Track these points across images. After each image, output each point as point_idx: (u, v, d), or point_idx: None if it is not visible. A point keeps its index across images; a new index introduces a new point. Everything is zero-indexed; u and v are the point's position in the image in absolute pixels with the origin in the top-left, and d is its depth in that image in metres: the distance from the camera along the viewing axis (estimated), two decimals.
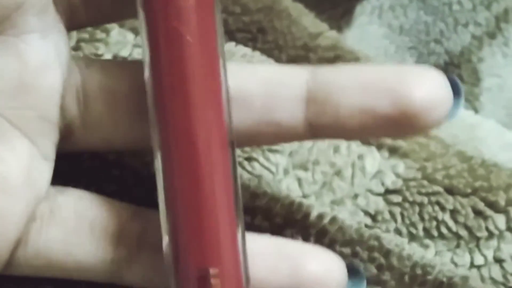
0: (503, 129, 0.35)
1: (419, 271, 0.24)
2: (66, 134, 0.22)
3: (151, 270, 0.22)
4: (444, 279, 0.24)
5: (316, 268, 0.22)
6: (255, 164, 0.27)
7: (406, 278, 0.24)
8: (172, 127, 0.20)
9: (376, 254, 0.24)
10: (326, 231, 0.25)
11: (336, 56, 0.34)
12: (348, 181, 0.27)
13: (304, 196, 0.27)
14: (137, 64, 0.22)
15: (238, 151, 0.27)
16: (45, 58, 0.21)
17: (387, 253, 0.24)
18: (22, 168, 0.21)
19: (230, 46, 0.29)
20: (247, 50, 0.29)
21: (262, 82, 0.22)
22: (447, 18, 0.41)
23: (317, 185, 0.27)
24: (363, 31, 0.41)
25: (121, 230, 0.22)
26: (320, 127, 0.22)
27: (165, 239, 0.21)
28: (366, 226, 0.26)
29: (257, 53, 0.30)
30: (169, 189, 0.20)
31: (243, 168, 0.26)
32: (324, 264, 0.23)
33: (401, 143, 0.28)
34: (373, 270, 0.24)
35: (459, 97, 0.22)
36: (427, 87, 0.21)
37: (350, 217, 0.26)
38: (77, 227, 0.22)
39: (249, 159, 0.27)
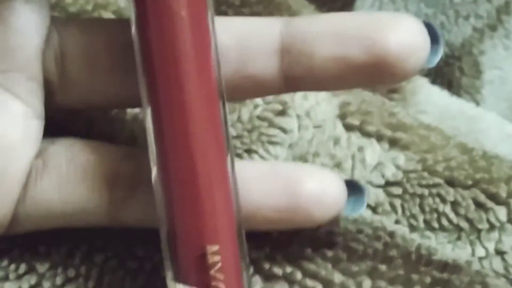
0: (504, 122, 0.35)
1: (424, 252, 0.24)
2: (47, 93, 0.22)
3: (148, 208, 0.22)
4: (450, 261, 0.23)
5: (312, 186, 0.22)
6: (255, 156, 0.26)
7: (413, 256, 0.23)
8: (163, 98, 0.20)
9: (381, 233, 0.24)
10: None
11: None
12: (348, 173, 0.27)
13: None
14: (114, 22, 0.22)
15: (237, 143, 0.27)
16: (29, 21, 0.21)
17: (391, 233, 0.24)
18: (19, 127, 0.21)
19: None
20: None
21: (236, 34, 0.22)
22: (448, 10, 0.41)
23: None
24: None
25: (114, 172, 0.22)
26: (295, 78, 0.22)
27: (162, 214, 0.20)
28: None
29: None
30: (161, 154, 0.20)
31: (242, 159, 0.26)
32: (320, 181, 0.22)
33: (401, 135, 0.27)
34: (380, 246, 0.23)
35: (437, 44, 0.21)
36: (402, 34, 0.21)
37: None
38: (70, 173, 0.22)
39: (249, 151, 0.27)
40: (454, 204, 0.26)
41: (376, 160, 0.27)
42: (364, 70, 0.21)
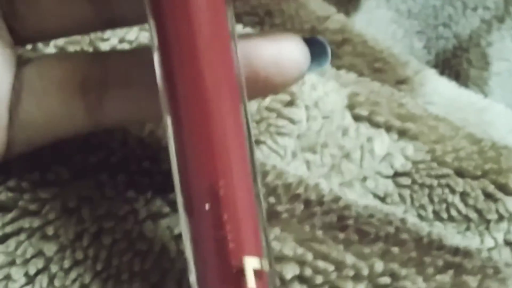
0: None
1: (435, 237, 0.23)
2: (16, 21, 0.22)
3: (124, 104, 0.22)
4: (460, 247, 0.23)
5: (267, 53, 0.21)
6: (263, 147, 0.26)
7: (424, 240, 0.23)
8: (183, 90, 0.20)
9: (392, 218, 0.24)
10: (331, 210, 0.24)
11: (344, 39, 0.34)
12: (357, 163, 0.27)
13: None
14: None
15: None
16: None
17: (402, 219, 0.24)
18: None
19: (237, 28, 0.29)
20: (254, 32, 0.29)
21: None
22: (456, 2, 0.40)
23: (326, 168, 0.27)
24: (371, 15, 0.41)
25: (85, 76, 0.22)
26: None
27: (172, 151, 0.20)
28: None
29: None
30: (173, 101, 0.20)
31: None
32: (275, 45, 0.22)
33: (410, 125, 0.27)
34: (392, 230, 0.23)
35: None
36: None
37: (359, 199, 0.26)
38: (44, 87, 0.22)
39: (257, 142, 0.26)
40: (463, 195, 0.26)
41: (385, 150, 0.27)
42: None
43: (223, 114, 0.19)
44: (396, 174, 0.26)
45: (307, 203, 0.24)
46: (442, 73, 0.37)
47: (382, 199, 0.26)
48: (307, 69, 0.22)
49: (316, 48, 0.22)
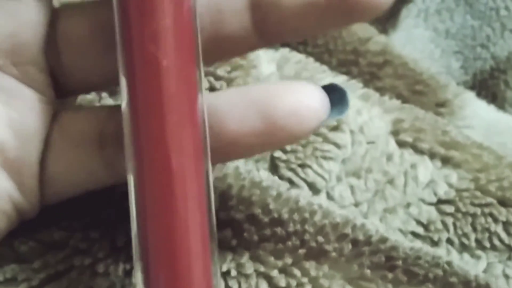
0: None
1: (482, 281, 0.24)
2: (52, 80, 0.23)
3: None
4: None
5: (285, 102, 0.21)
6: (309, 171, 0.27)
7: (473, 284, 0.24)
8: (147, 152, 0.20)
9: (439, 261, 0.24)
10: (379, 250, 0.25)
11: (385, 61, 0.34)
12: (400, 189, 0.27)
13: (356, 203, 0.27)
14: (103, 3, 0.22)
15: (291, 158, 0.27)
16: (36, 14, 0.22)
17: (449, 262, 0.24)
18: (37, 115, 0.22)
19: (284, 51, 0.29)
20: (301, 57, 0.29)
21: (208, 1, 0.22)
22: (494, 23, 0.41)
23: (370, 193, 0.27)
24: (409, 34, 0.41)
25: (102, 132, 0.23)
26: (268, 31, 0.22)
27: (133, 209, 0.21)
28: (419, 235, 0.26)
29: (311, 60, 0.30)
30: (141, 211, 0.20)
31: (297, 174, 0.27)
32: (294, 95, 0.21)
33: (454, 153, 0.28)
34: (440, 272, 0.24)
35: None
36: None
37: (402, 226, 0.27)
38: (64, 144, 0.23)
39: (303, 165, 0.27)
40: (506, 224, 0.26)
41: (429, 177, 0.27)
42: (329, 10, 0.21)
43: (184, 174, 0.20)
44: (440, 202, 0.27)
45: (355, 242, 0.24)
46: (478, 94, 0.37)
47: (425, 227, 0.27)
48: (326, 118, 0.22)
49: (335, 96, 0.22)
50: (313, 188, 0.27)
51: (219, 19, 0.22)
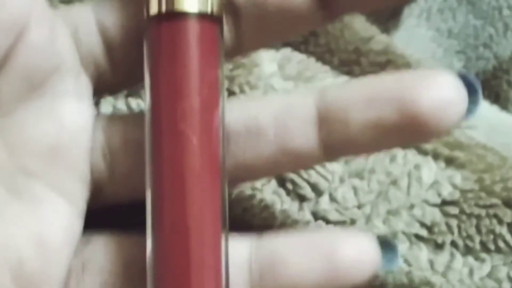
0: None
1: None
2: (95, 191, 0.22)
3: None
4: None
5: (348, 252, 0.22)
6: (311, 171, 0.26)
7: None
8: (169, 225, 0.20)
9: None
10: None
11: (387, 60, 0.34)
12: (404, 191, 0.27)
13: (360, 205, 0.26)
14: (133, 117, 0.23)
15: None
16: (81, 121, 0.21)
17: None
18: (63, 228, 0.21)
19: (286, 51, 0.29)
20: (303, 57, 0.29)
21: (272, 112, 0.22)
22: (497, 22, 0.40)
23: (373, 194, 0.26)
24: (411, 33, 0.41)
25: (129, 265, 0.22)
26: (333, 146, 0.22)
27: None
28: (422, 238, 0.26)
29: (312, 59, 0.29)
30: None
31: (299, 175, 0.26)
32: (355, 246, 0.22)
33: (458, 153, 0.27)
34: None
35: (475, 94, 0.21)
36: (433, 91, 0.21)
37: (406, 228, 0.26)
38: (111, 274, 0.22)
39: None
40: (511, 226, 0.26)
41: (433, 178, 0.27)
42: (398, 132, 0.21)
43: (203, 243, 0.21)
44: (444, 203, 0.26)
45: None
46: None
47: (429, 229, 0.26)
48: (377, 269, 0.22)
49: (387, 250, 0.23)
50: (316, 190, 0.26)
51: (284, 132, 0.22)
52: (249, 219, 0.26)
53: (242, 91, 0.27)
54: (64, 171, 0.21)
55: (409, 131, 0.21)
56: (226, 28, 0.22)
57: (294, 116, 0.22)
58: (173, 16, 0.20)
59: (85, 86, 0.22)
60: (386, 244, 0.23)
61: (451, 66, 0.41)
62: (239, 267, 0.22)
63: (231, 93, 0.27)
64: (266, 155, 0.22)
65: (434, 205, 0.26)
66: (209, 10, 0.21)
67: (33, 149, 0.21)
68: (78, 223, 0.22)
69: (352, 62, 0.33)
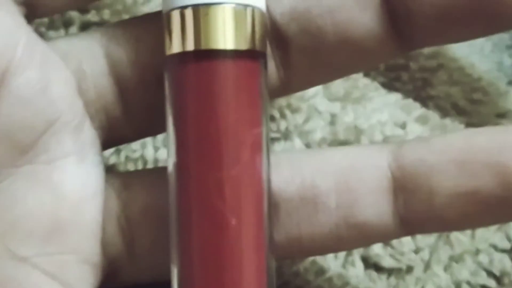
0: None
1: None
2: (111, 272, 0.18)
3: None
4: None
5: None
6: None
7: None
8: None
9: None
10: None
11: (438, 65, 0.30)
12: (468, 233, 0.23)
13: (417, 250, 0.23)
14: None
15: None
16: (83, 188, 0.17)
17: None
18: None
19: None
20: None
21: (333, 174, 0.18)
22: None
23: (433, 238, 0.23)
24: None
25: None
26: (413, 221, 0.18)
27: None
28: None
29: (360, 75, 0.26)
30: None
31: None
32: None
33: None
34: None
35: None
36: None
37: (470, 277, 0.23)
38: None
39: None
40: None
41: None
42: (499, 205, 0.17)
43: None
44: None
45: None
46: None
47: (498, 279, 0.23)
48: None
49: None
50: None
51: (351, 200, 0.18)
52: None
53: (282, 115, 0.23)
54: (66, 255, 0.17)
55: (509, 206, 0.17)
56: (271, 64, 0.18)
57: (362, 181, 0.18)
58: (205, 54, 0.16)
59: (90, 141, 0.18)
60: None
61: (500, 62, 0.37)
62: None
63: (270, 118, 0.23)
64: (327, 229, 0.18)
65: (503, 250, 0.23)
66: (249, 46, 0.16)
67: (25, 229, 0.16)
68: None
69: (400, 67, 0.30)
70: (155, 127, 0.18)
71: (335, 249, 0.19)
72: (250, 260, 0.16)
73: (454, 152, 0.17)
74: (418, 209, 0.18)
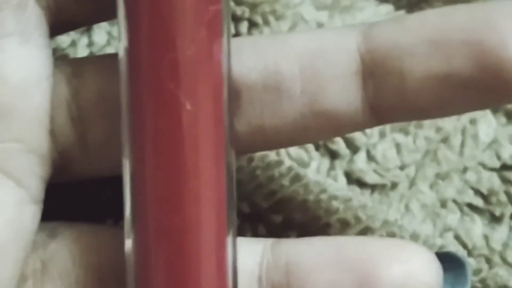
0: None
1: None
2: (61, 164, 0.17)
3: None
4: None
5: (392, 274, 0.17)
6: None
7: None
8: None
9: None
10: None
11: None
12: (456, 150, 0.22)
13: (403, 166, 0.22)
14: None
15: None
16: (28, 71, 0.16)
17: None
18: (9, 221, 0.16)
19: None
20: None
21: (299, 59, 0.17)
22: None
23: (419, 154, 0.22)
24: None
25: (101, 266, 0.18)
26: (384, 108, 0.17)
27: None
28: (476, 208, 0.22)
29: None
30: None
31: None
32: (403, 264, 0.17)
33: None
34: None
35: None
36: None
37: (457, 196, 0.22)
38: (79, 278, 0.17)
39: None
40: None
41: (491, 136, 0.23)
42: (475, 87, 0.16)
43: None
44: (504, 167, 0.22)
45: None
46: None
47: (485, 198, 0.22)
48: None
49: (451, 267, 0.18)
50: (351, 145, 0.22)
51: (316, 86, 0.16)
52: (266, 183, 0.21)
53: (266, 22, 0.22)
54: (11, 143, 0.16)
55: (486, 88, 0.16)
56: None
57: (329, 65, 0.17)
58: None
59: (35, 21, 0.16)
60: (451, 261, 0.18)
61: None
62: (246, 277, 0.17)
63: (252, 24, 0.22)
64: (291, 118, 0.17)
65: (492, 169, 0.22)
66: None
67: None
68: (30, 211, 0.17)
69: None
70: (107, 13, 0.17)
71: (301, 140, 0.18)
72: (208, 149, 0.15)
73: (429, 31, 0.16)
74: (389, 95, 0.16)
